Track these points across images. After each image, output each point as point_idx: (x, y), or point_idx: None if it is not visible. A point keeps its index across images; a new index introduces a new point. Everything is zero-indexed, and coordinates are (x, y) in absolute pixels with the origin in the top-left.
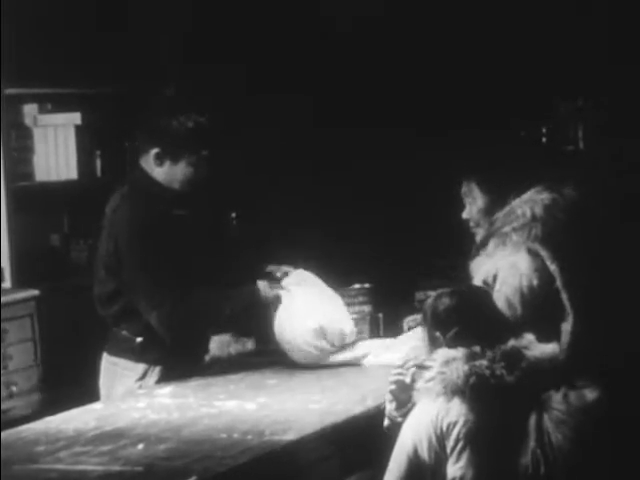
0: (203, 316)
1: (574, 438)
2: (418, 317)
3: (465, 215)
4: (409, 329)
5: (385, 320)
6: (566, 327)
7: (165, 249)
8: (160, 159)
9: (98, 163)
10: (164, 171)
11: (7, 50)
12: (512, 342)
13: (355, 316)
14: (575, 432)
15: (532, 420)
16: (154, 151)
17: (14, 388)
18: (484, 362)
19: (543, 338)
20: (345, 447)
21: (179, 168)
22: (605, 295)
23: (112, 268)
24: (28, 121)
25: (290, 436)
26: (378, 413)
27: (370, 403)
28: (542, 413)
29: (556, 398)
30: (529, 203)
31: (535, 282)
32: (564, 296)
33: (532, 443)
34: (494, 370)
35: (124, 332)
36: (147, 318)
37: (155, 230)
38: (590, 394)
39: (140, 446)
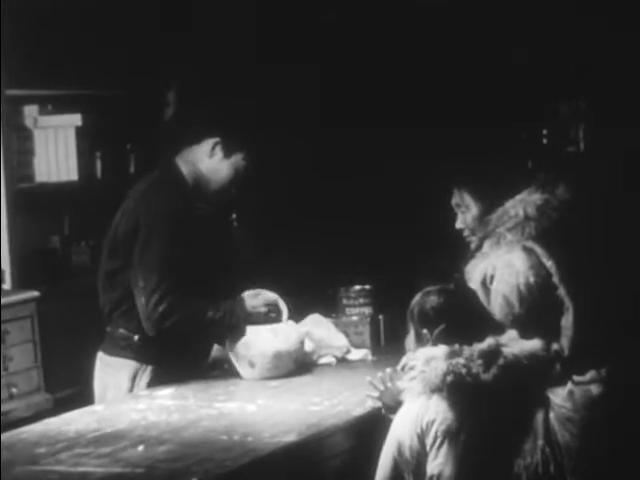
0: (187, 322)
1: (581, 435)
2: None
3: (459, 225)
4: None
5: (385, 322)
6: (566, 322)
7: (184, 243)
8: (214, 149)
9: (98, 165)
10: (212, 163)
11: (8, 51)
12: (491, 339)
13: (355, 318)
14: (581, 429)
15: (539, 418)
16: (211, 141)
17: (14, 390)
18: (461, 360)
19: (542, 335)
20: (345, 449)
21: (226, 166)
22: (602, 287)
23: (120, 246)
24: (28, 122)
25: (290, 438)
26: (378, 415)
27: (370, 405)
28: (548, 411)
29: (561, 395)
30: (522, 203)
31: (531, 279)
32: (562, 291)
33: (540, 442)
34: (470, 368)
35: (121, 330)
36: (137, 301)
37: (181, 220)
38: (595, 389)
39: (140, 448)
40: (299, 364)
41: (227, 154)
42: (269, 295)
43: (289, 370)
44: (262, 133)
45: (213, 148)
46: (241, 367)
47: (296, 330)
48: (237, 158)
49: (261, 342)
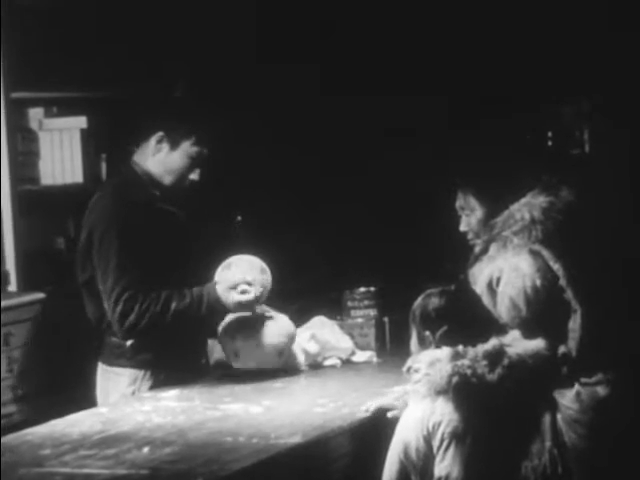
0: (149, 318)
1: (588, 436)
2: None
3: (463, 227)
4: None
5: (391, 324)
6: (573, 324)
7: (140, 242)
8: (160, 143)
9: (103, 167)
10: (160, 160)
11: (13, 54)
12: (495, 340)
13: (360, 320)
14: (588, 430)
15: (546, 420)
16: (156, 135)
17: (19, 391)
18: (466, 361)
19: (549, 337)
20: (351, 450)
21: (176, 156)
22: (609, 289)
23: (85, 257)
24: (34, 125)
25: (295, 439)
26: (383, 416)
27: (375, 407)
28: (555, 413)
29: (568, 397)
30: (527, 206)
31: (538, 282)
32: (569, 293)
33: (548, 443)
34: (475, 369)
35: (114, 338)
36: (105, 305)
37: (133, 223)
38: (602, 391)
39: (145, 449)
40: (286, 358)
41: (174, 145)
42: (238, 276)
43: (275, 364)
44: (207, 116)
45: (159, 142)
46: (227, 356)
47: (282, 323)
48: (186, 145)
49: (246, 333)
